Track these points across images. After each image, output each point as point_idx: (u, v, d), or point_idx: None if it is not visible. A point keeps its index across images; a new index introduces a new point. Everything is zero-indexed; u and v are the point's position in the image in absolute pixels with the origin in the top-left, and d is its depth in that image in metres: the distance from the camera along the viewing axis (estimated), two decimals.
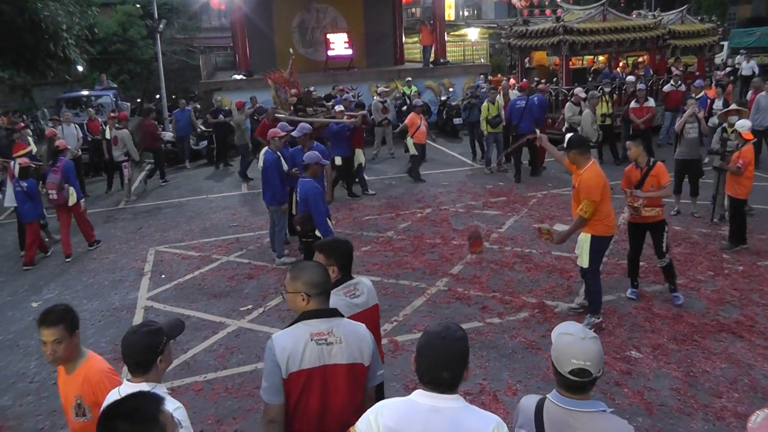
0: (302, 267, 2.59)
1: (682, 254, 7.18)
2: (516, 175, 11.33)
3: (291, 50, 13.65)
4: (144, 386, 2.33)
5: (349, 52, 17.73)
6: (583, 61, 17.66)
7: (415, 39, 23.06)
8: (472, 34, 27.67)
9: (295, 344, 2.40)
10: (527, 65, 16.80)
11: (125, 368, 2.51)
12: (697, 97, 11.00)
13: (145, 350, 2.39)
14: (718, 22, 18.35)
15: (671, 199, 8.36)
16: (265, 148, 7.91)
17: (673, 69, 14.40)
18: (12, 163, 8.61)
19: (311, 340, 2.41)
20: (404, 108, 14.92)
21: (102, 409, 1.96)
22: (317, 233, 6.03)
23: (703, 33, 15.50)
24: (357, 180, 10.93)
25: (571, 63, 15.10)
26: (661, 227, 5.96)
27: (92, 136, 13.59)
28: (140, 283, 7.44)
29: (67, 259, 8.45)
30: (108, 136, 12.40)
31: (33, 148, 10.52)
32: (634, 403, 4.43)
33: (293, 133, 8.09)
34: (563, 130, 11.47)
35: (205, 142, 15.17)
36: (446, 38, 20.50)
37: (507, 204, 9.82)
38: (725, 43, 24.43)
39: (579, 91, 11.53)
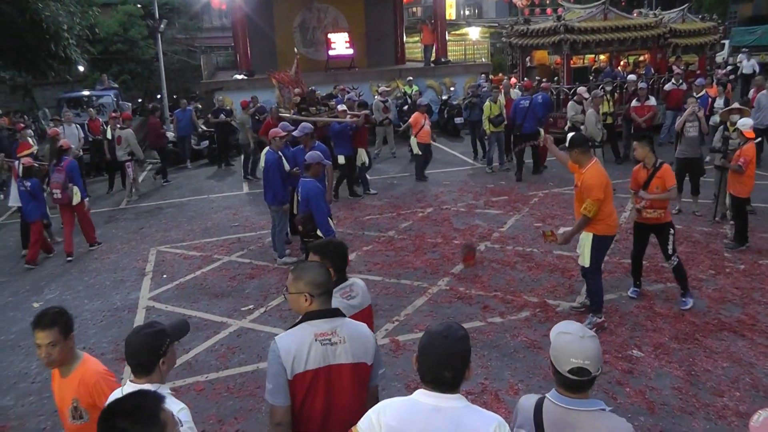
0: (304, 267, 2.58)
1: (684, 253, 7.16)
2: (517, 173, 11.34)
3: (296, 50, 13.67)
4: (147, 387, 2.32)
5: (350, 51, 17.72)
6: (584, 60, 17.63)
7: (416, 38, 23.03)
8: (473, 33, 27.67)
9: (300, 345, 2.40)
10: (528, 64, 16.79)
11: (126, 368, 2.51)
12: (699, 95, 10.99)
13: (147, 352, 2.37)
14: (719, 20, 18.33)
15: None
16: (267, 147, 7.93)
17: (674, 67, 14.39)
18: (16, 163, 8.66)
19: (315, 340, 2.41)
20: (405, 107, 14.92)
21: (103, 407, 1.96)
22: (319, 233, 6.04)
23: (704, 31, 15.48)
24: (360, 180, 10.93)
25: (572, 62, 15.08)
26: (666, 229, 5.88)
27: (93, 137, 13.60)
28: (142, 283, 7.45)
29: (69, 258, 8.46)
30: (109, 136, 12.42)
31: (35, 148, 10.54)
32: (635, 402, 4.43)
33: (294, 133, 8.09)
34: (565, 129, 11.46)
35: (206, 142, 15.18)
36: (447, 37, 20.48)
37: (508, 203, 9.82)
38: (726, 42, 24.41)
39: (582, 90, 11.53)
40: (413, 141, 11.57)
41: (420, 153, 11.57)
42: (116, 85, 20.62)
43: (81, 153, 12.30)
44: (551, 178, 11.36)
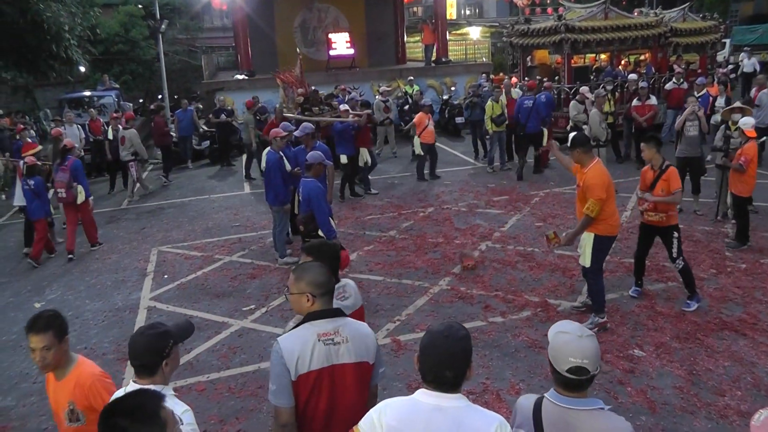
0: (306, 267, 2.58)
1: (685, 252, 7.11)
2: (518, 171, 11.33)
3: (298, 50, 13.68)
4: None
5: (351, 51, 17.72)
6: (585, 59, 17.61)
7: (417, 38, 23.03)
8: (474, 32, 27.64)
9: (303, 345, 2.40)
10: (529, 64, 16.77)
11: (128, 369, 2.51)
12: (699, 94, 10.96)
13: (150, 353, 2.36)
14: (720, 19, 18.28)
15: None
16: (268, 148, 7.94)
17: (675, 67, 14.37)
18: (21, 162, 8.70)
19: (319, 340, 2.41)
20: (406, 107, 14.93)
21: (101, 408, 1.96)
22: (320, 233, 6.04)
23: (705, 30, 15.46)
24: (359, 179, 10.93)
25: (573, 61, 15.06)
26: (671, 233, 5.84)
27: (94, 137, 13.62)
28: (143, 284, 7.46)
29: (70, 256, 8.48)
30: (110, 136, 12.41)
31: (39, 147, 10.57)
32: (637, 401, 4.42)
33: (296, 133, 8.10)
34: (567, 128, 11.46)
35: (207, 142, 15.18)
36: (448, 37, 20.49)
37: (509, 203, 9.82)
38: (727, 41, 24.36)
39: (585, 89, 11.51)
40: (416, 141, 11.57)
41: (422, 153, 11.58)
42: (117, 86, 20.63)
43: (82, 153, 12.30)
44: (552, 177, 11.36)
